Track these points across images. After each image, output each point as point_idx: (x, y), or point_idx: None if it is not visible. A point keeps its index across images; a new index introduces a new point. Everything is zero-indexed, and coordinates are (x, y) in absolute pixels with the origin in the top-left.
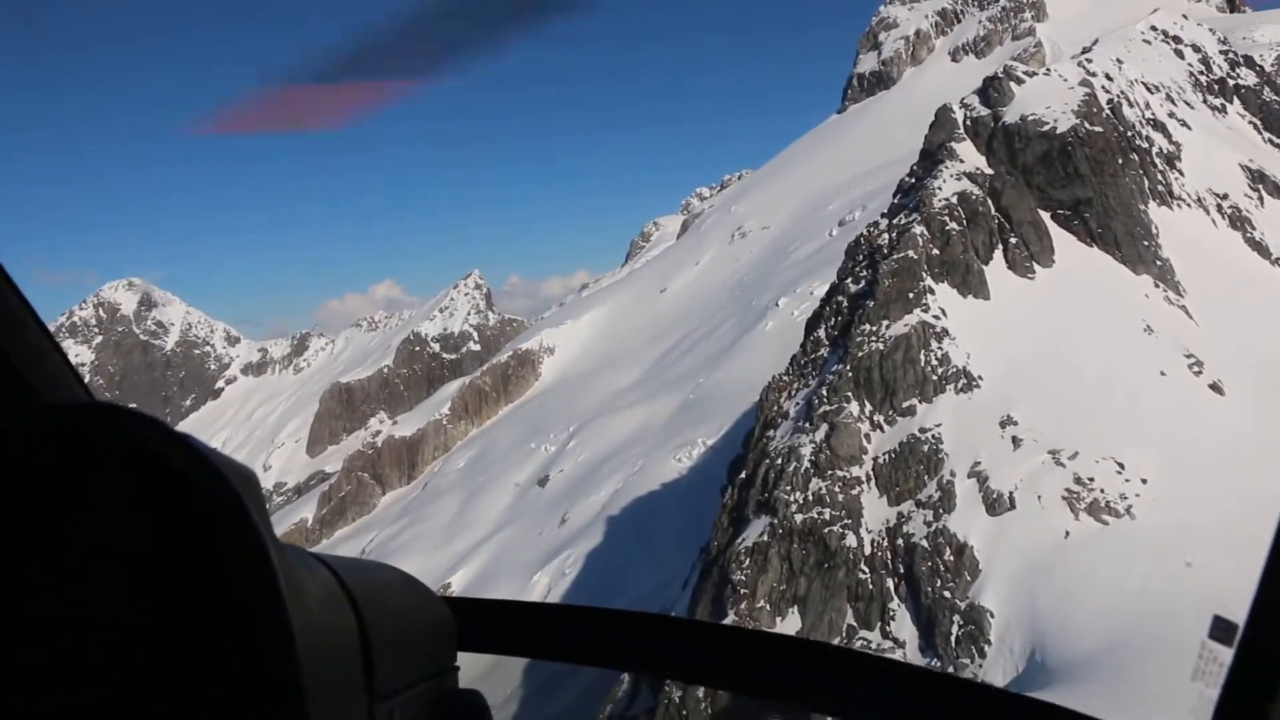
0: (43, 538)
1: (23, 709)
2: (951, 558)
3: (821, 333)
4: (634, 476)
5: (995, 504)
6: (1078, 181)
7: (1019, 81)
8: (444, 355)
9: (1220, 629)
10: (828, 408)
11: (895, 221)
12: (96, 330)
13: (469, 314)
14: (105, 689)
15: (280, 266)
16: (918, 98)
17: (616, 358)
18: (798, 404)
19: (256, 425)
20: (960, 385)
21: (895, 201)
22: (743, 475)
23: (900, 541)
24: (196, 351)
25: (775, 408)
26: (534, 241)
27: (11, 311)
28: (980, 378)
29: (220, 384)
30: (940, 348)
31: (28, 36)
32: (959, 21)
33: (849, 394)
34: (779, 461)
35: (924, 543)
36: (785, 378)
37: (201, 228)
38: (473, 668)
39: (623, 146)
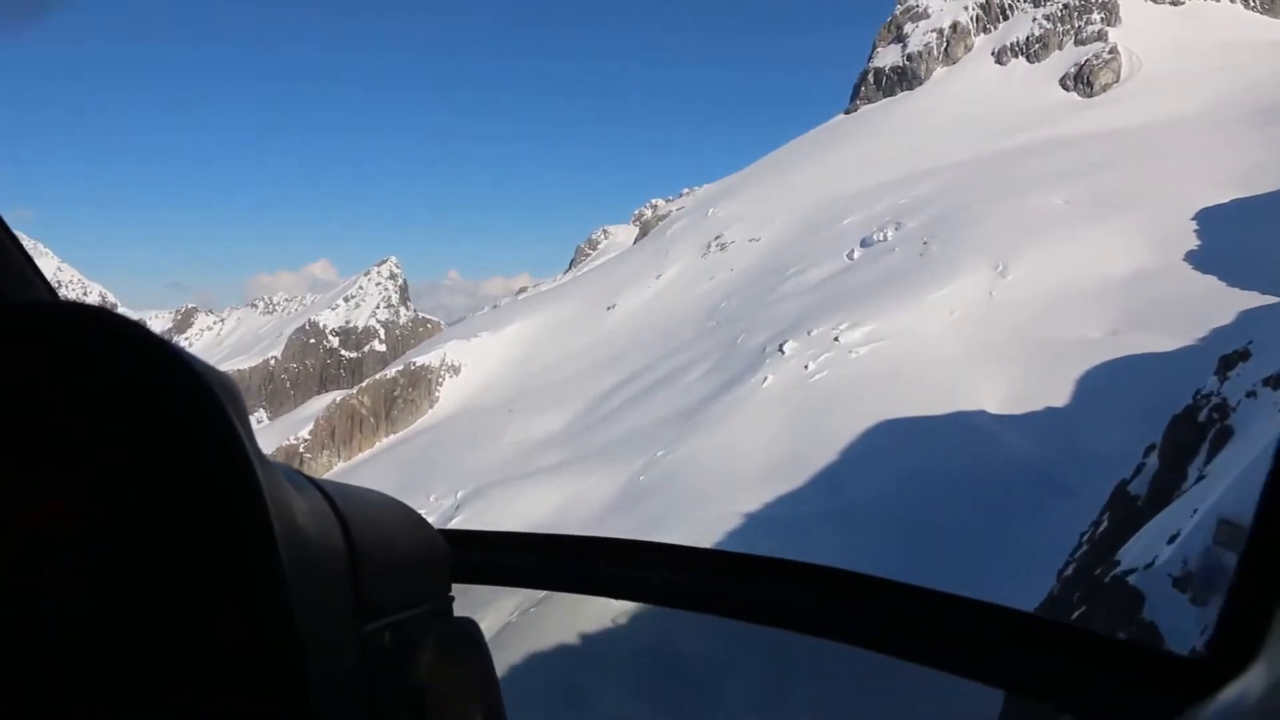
0: (9, 440)
1: None
2: None
3: None
4: (547, 601)
5: None
6: None
7: None
8: (343, 352)
9: (1225, 532)
10: None
11: None
12: None
13: (378, 307)
14: (71, 595)
15: (226, 232)
16: (951, 101)
17: (539, 391)
18: None
19: None
20: None
21: None
22: None
23: None
24: None
25: None
26: (481, 237)
27: None
28: None
29: None
30: None
31: None
32: (1007, 18)
33: None
34: None
35: None
36: None
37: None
38: (469, 600)
39: (582, 145)
